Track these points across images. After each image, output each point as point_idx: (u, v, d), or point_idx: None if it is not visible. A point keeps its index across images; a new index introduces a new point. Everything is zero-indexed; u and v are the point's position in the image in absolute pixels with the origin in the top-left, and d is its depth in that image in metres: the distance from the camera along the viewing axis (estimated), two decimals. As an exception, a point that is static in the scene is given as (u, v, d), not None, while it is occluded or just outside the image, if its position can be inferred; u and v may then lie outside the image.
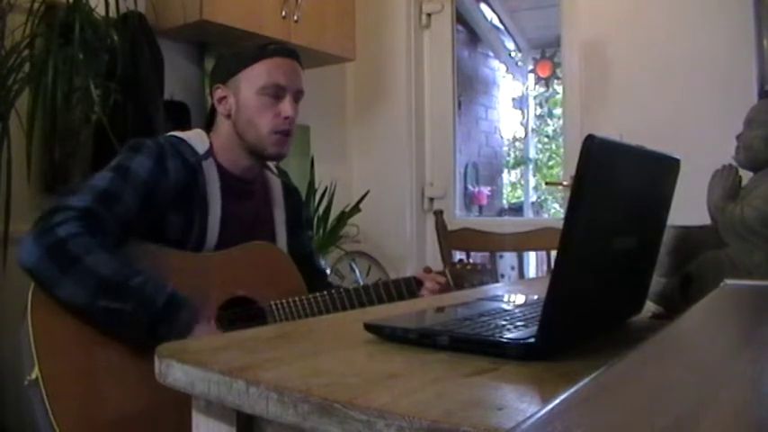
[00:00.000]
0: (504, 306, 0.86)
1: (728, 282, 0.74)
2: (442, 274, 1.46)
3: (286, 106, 1.34)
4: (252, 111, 1.34)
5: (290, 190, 1.54)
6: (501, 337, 0.64)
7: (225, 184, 1.34)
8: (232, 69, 1.36)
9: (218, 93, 1.37)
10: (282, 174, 1.55)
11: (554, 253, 0.72)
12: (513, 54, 5.13)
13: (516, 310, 0.80)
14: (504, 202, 5.41)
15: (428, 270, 1.45)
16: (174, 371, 0.63)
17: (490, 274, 1.57)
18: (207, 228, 1.30)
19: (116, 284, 1.11)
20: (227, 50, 1.43)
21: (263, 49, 1.35)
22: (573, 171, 0.58)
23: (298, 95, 1.37)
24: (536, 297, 0.93)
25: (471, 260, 1.69)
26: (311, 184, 2.74)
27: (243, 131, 1.35)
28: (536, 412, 0.31)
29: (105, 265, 1.12)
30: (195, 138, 1.36)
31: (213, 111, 1.41)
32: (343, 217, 2.83)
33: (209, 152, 1.35)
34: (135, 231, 1.23)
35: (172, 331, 1.12)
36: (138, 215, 1.22)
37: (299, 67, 1.38)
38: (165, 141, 1.31)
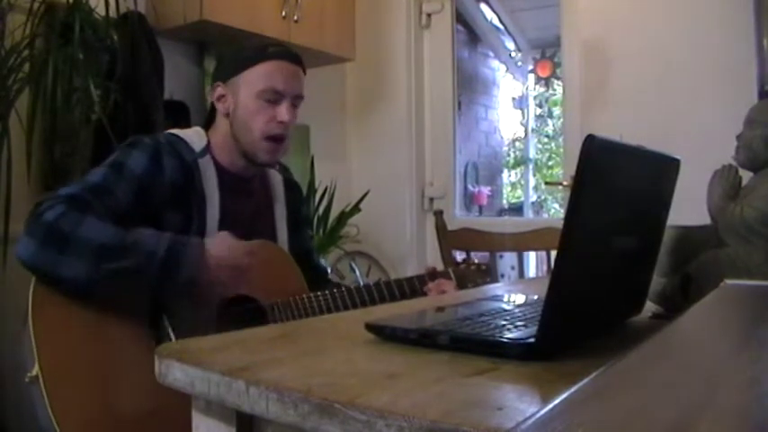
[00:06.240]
0: (504, 306, 0.86)
1: (728, 282, 0.74)
2: (446, 274, 1.45)
3: (282, 111, 1.33)
4: (247, 113, 1.33)
5: (291, 185, 1.54)
6: (501, 336, 0.64)
7: (223, 182, 1.34)
8: (232, 69, 1.35)
9: (219, 91, 1.37)
10: (284, 169, 1.55)
11: (554, 253, 0.72)
12: (513, 54, 5.13)
13: (516, 310, 0.80)
14: (504, 202, 5.41)
15: (432, 270, 1.45)
16: (173, 371, 0.63)
17: (491, 274, 1.56)
18: (205, 226, 1.30)
19: (115, 245, 1.13)
20: (231, 48, 1.42)
21: (264, 50, 1.34)
22: (573, 171, 0.58)
23: (296, 100, 1.36)
24: (536, 297, 0.93)
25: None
26: (311, 183, 2.74)
27: (237, 133, 1.35)
28: (536, 412, 0.31)
29: (99, 231, 1.13)
30: (193, 135, 1.36)
31: (214, 108, 1.41)
32: (343, 217, 2.83)
33: (207, 149, 1.35)
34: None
35: (186, 266, 1.16)
36: (130, 210, 1.22)
37: (299, 72, 1.37)
38: (163, 139, 1.31)
